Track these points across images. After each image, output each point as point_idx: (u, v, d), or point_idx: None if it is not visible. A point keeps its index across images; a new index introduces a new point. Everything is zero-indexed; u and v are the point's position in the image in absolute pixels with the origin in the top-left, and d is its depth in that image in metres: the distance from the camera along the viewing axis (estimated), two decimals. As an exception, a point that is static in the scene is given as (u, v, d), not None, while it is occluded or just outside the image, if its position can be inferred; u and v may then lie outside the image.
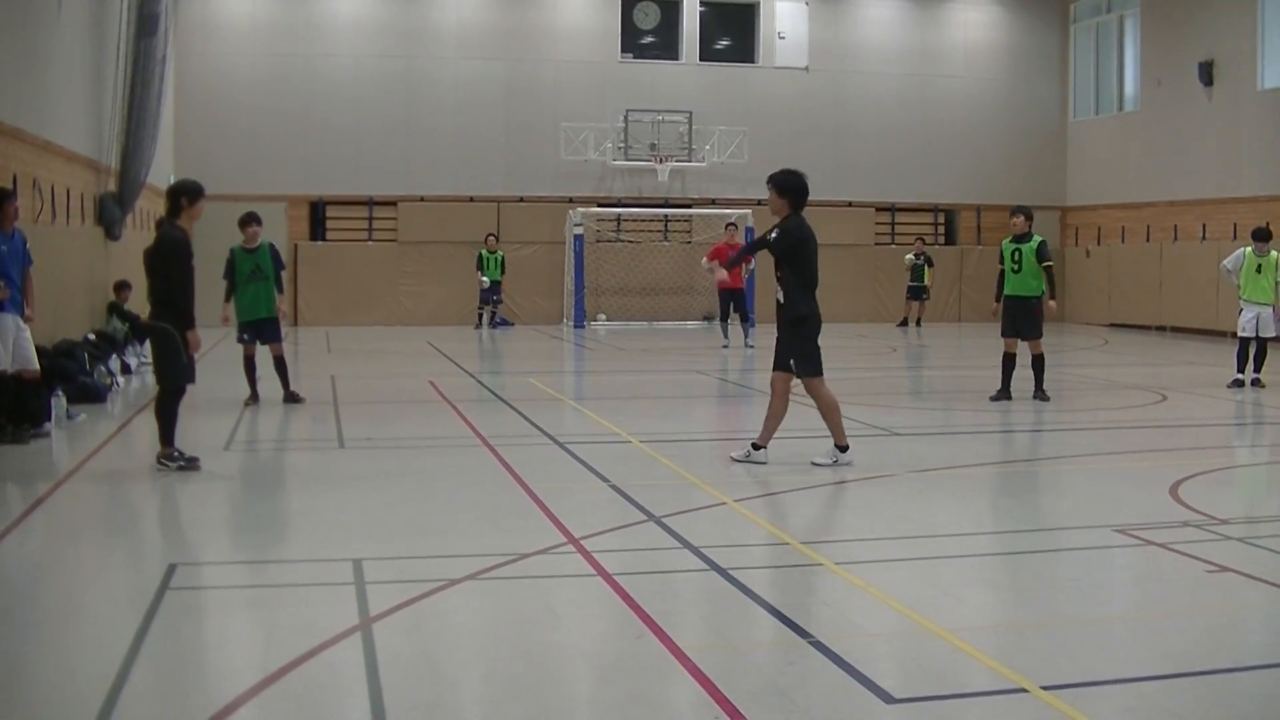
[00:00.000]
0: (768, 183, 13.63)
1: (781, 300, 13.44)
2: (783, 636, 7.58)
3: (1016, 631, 7.88)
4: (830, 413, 13.46)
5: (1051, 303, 19.23)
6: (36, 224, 18.82)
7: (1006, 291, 19.06)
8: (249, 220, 18.62)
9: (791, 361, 13.41)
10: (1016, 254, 18.84)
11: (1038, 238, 18.94)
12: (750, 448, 13.54)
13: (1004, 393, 18.96)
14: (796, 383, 13.46)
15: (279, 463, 14.92)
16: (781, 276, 13.41)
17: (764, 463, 13.36)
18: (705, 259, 28.35)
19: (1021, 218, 19.04)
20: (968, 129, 41.02)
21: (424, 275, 37.41)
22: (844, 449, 13.46)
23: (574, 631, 7.78)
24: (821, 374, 13.42)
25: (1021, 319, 18.90)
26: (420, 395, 19.94)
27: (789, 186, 13.45)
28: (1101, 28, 40.50)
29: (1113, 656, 7.40)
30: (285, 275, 19.01)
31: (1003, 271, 19.14)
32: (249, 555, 10.05)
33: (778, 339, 13.58)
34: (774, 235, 13.31)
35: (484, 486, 12.35)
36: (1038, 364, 19.11)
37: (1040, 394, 19.02)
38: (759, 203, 36.64)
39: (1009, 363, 19.03)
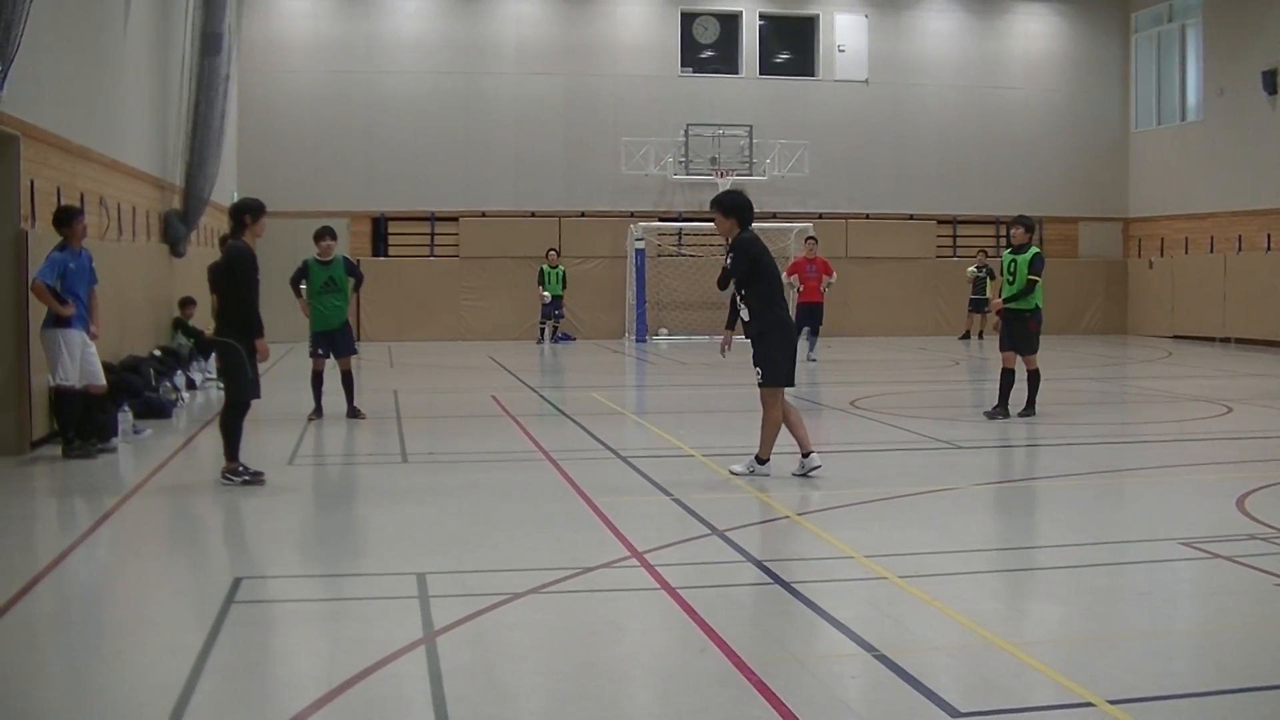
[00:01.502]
0: (711, 206, 13.89)
1: (746, 317, 13.60)
2: (846, 649, 7.56)
3: (1082, 645, 7.83)
4: (770, 427, 13.55)
5: (995, 301, 18.63)
6: (103, 241, 18.99)
7: (1003, 304, 18.42)
8: (324, 234, 18.73)
9: (757, 370, 13.50)
10: (1013, 265, 18.24)
11: (1034, 249, 18.21)
12: (755, 461, 13.59)
13: (1000, 408, 18.29)
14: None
15: (343, 477, 14.99)
16: (744, 294, 13.51)
17: (767, 475, 13.42)
18: (784, 274, 28.38)
19: (1021, 229, 18.36)
20: (1029, 140, 40.85)
21: (485, 290, 37.52)
22: (763, 461, 13.55)
23: (637, 645, 7.79)
24: (781, 386, 13.53)
25: (1017, 333, 18.25)
26: (483, 410, 19.99)
27: (733, 205, 13.60)
28: (1163, 37, 40.25)
29: (1179, 671, 7.35)
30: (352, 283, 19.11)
31: (1001, 284, 18.66)
32: (313, 569, 10.09)
33: (754, 352, 13.61)
34: (730, 260, 13.45)
35: (546, 500, 12.36)
36: (1031, 380, 18.40)
37: (1028, 410, 18.30)
38: (820, 216, 36.80)
39: (1006, 377, 18.39)
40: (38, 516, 12.56)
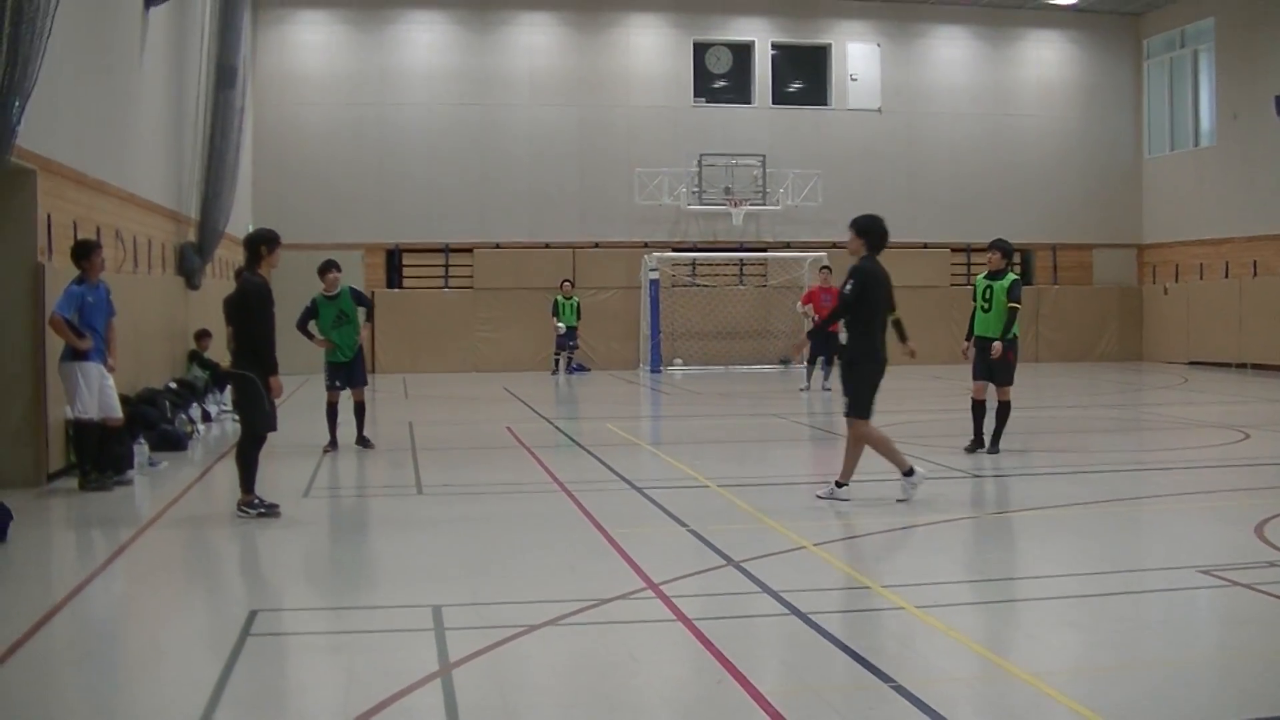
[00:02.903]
0: (850, 226, 13.85)
1: (844, 341, 13.77)
2: (864, 681, 7.53)
3: (1100, 674, 7.79)
4: (851, 453, 13.70)
5: (996, 344, 17.33)
6: (119, 274, 19.04)
7: (976, 332, 17.70)
8: (328, 268, 18.74)
9: (845, 398, 13.60)
10: (988, 291, 17.50)
11: (1012, 275, 17.53)
12: (835, 486, 13.66)
13: (977, 441, 17.64)
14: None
15: (358, 509, 15.00)
16: (847, 320, 13.63)
17: (848, 499, 13.49)
18: (799, 303, 28.35)
19: (998, 253, 17.67)
20: (1042, 167, 40.89)
21: (500, 321, 37.56)
22: (842, 485, 13.67)
23: (654, 677, 7.76)
24: (866, 418, 13.56)
25: (996, 363, 17.42)
26: (498, 441, 19.99)
27: (867, 227, 13.69)
28: (1175, 63, 40.31)
29: (1200, 700, 7.32)
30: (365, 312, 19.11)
31: (973, 310, 17.88)
32: (329, 601, 10.09)
33: (843, 380, 13.73)
34: (847, 287, 13.48)
35: (562, 531, 12.35)
36: (1001, 412, 17.60)
37: (994, 446, 17.48)
38: (834, 245, 36.75)
39: (978, 409, 17.73)
40: (55, 548, 12.58)
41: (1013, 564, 11.36)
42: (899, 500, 13.51)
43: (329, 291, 18.60)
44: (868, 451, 13.65)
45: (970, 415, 17.83)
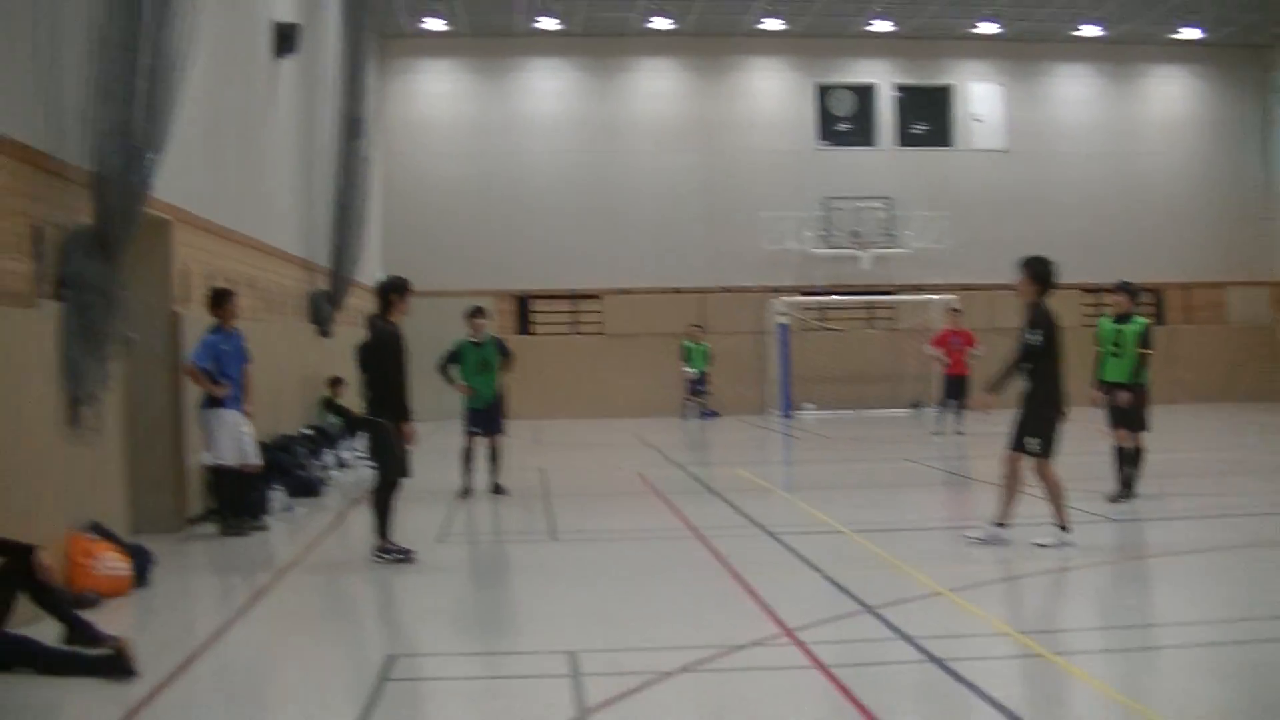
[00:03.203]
0: (1019, 266, 13.80)
1: (1028, 382, 13.59)
2: (1005, 727, 7.45)
3: (1248, 722, 7.66)
4: (1056, 495, 13.45)
5: (1124, 394, 16.85)
6: (253, 322, 19.27)
7: (1107, 377, 17.08)
8: (476, 313, 18.90)
9: (1025, 440, 13.48)
10: (1118, 336, 17.00)
11: (1142, 319, 17.01)
12: (1058, 529, 13.46)
13: (1125, 489, 16.96)
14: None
15: (492, 555, 15.06)
16: (1030, 366, 13.55)
17: (1073, 544, 13.28)
18: (928, 345, 28.14)
19: (1124, 295, 17.23)
20: (1170, 205, 40.34)
21: (629, 367, 37.61)
22: (1065, 529, 13.39)
23: (792, 723, 7.72)
24: (1049, 456, 13.47)
25: (1131, 409, 16.83)
26: (629, 487, 19.99)
27: (1041, 272, 13.67)
28: (1304, 95, 39.76)
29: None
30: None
31: (1100, 354, 17.36)
32: (465, 646, 10.13)
33: (1017, 417, 13.62)
34: (1040, 339, 13.42)
35: (696, 578, 12.32)
36: (1135, 460, 16.95)
37: (1125, 493, 16.81)
38: (964, 287, 36.53)
39: (1119, 454, 17.08)
40: (195, 593, 12.75)
41: (1152, 610, 11.19)
42: (1037, 544, 13.33)
43: (475, 337, 18.72)
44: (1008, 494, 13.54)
45: (1113, 462, 17.33)
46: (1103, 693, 8.15)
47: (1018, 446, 13.57)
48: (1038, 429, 13.45)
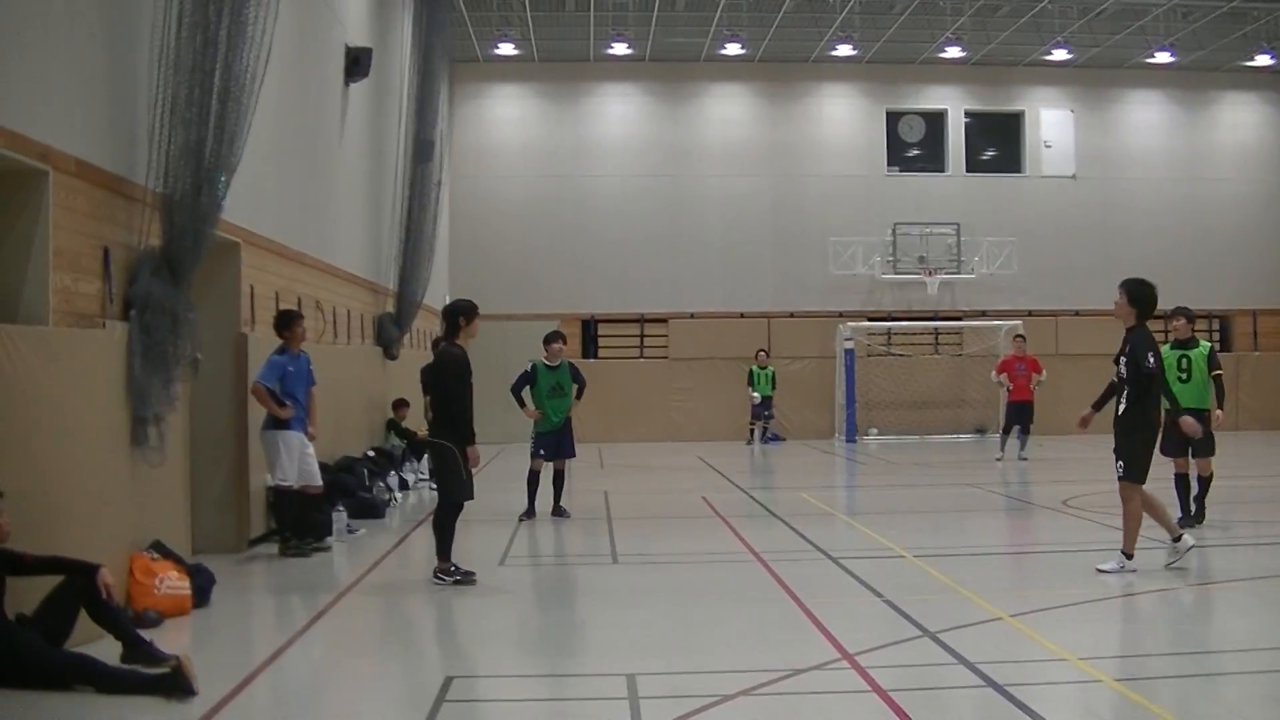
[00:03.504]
0: (1119, 288, 13.87)
1: (1121, 410, 13.51)
2: (1064, 755, 7.39)
3: (1311, 752, 7.58)
4: (1131, 521, 13.40)
5: (1219, 412, 16.84)
6: (319, 344, 19.38)
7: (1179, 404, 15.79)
8: (553, 338, 18.92)
9: (1119, 463, 13.43)
10: (1184, 361, 16.76)
11: (1205, 343, 17.04)
12: (1123, 555, 13.41)
13: (1186, 518, 16.50)
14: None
15: (554, 577, 15.06)
16: (1128, 389, 13.45)
17: (1134, 570, 13.22)
18: (994, 372, 28.04)
19: (1184, 320, 17.16)
20: (1240, 232, 40.03)
21: (694, 391, 37.58)
22: (1129, 556, 13.33)
23: (849, 748, 7.69)
24: (1141, 482, 13.38)
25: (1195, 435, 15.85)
26: (693, 510, 19.98)
27: (1139, 296, 13.69)
28: (1375, 121, 39.32)
29: None
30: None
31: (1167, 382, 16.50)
32: (524, 669, 10.13)
33: (1117, 445, 13.53)
34: (1151, 363, 13.33)
35: (757, 601, 12.29)
36: (1204, 486, 16.77)
37: (1197, 516, 16.67)
38: (1029, 313, 36.35)
39: (1182, 483, 16.92)
40: (255, 613, 12.82)
41: (1214, 637, 11.09)
42: (1100, 570, 13.28)
43: (551, 361, 18.76)
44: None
45: (1176, 489, 17.10)
46: (1163, 719, 8.10)
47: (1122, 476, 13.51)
48: (1132, 452, 13.37)
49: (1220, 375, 16.86)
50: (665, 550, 15.98)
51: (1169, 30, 35.76)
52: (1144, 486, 13.47)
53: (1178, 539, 13.51)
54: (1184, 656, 10.08)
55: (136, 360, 11.76)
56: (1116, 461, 13.48)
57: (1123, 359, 13.57)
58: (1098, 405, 14.09)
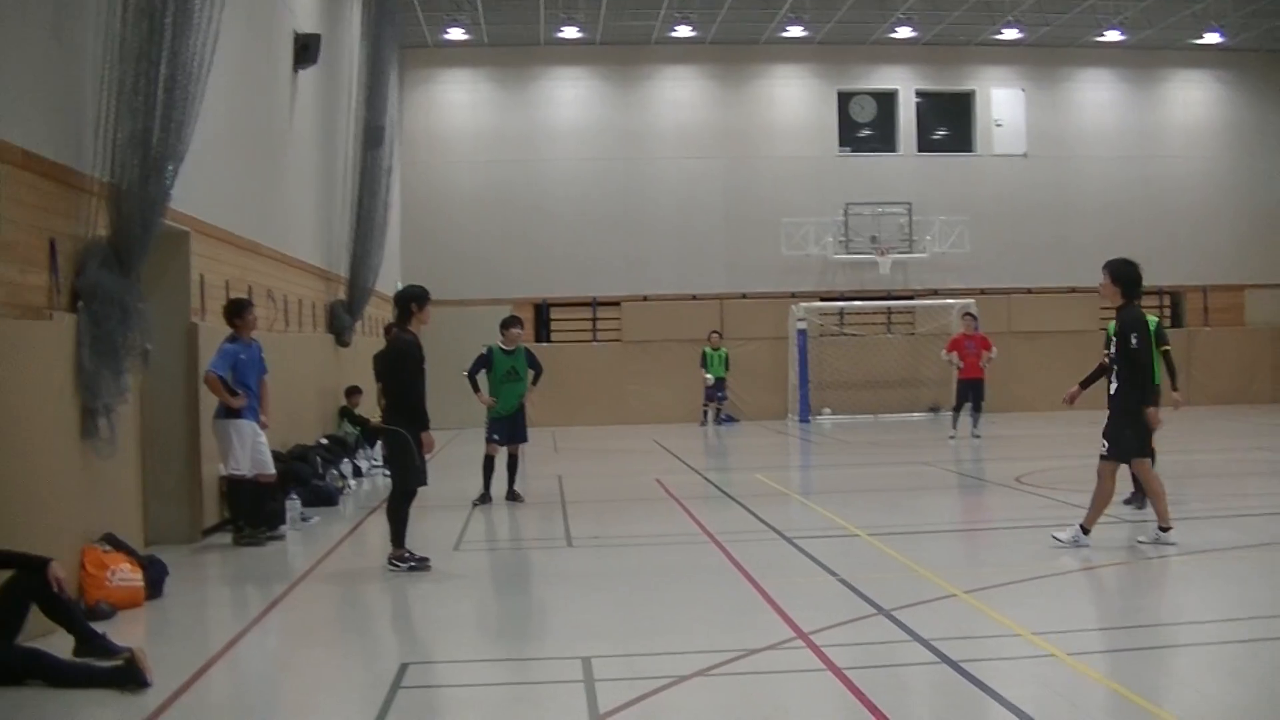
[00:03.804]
0: (1103, 269, 13.76)
1: (1113, 390, 13.55)
2: (1017, 730, 7.44)
3: (1261, 723, 7.64)
4: (1100, 500, 13.46)
5: (1175, 394, 16.69)
6: (271, 332, 19.31)
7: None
8: (510, 323, 18.88)
9: (1103, 442, 13.48)
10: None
11: (1152, 318, 15.32)
12: (1079, 529, 13.46)
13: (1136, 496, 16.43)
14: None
15: (508, 562, 15.06)
16: (1119, 368, 13.47)
17: (1088, 545, 13.29)
18: (944, 351, 28.14)
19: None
20: (1191, 209, 40.19)
21: (648, 374, 37.58)
22: (1086, 531, 13.40)
23: (804, 727, 7.72)
24: (1120, 462, 13.50)
25: None
26: (647, 493, 19.99)
27: (1122, 276, 13.60)
28: (1326, 98, 39.52)
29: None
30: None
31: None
32: (480, 654, 10.13)
33: (1111, 423, 13.56)
34: (1133, 340, 13.29)
35: (712, 582, 12.32)
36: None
37: (1136, 499, 16.17)
38: (982, 292, 36.48)
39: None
40: (210, 604, 12.77)
41: (1167, 609, 11.18)
42: (1057, 539, 13.47)
43: (507, 346, 18.71)
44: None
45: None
46: (1116, 693, 8.14)
47: (1136, 454, 13.60)
48: (1113, 433, 13.44)
49: (1168, 351, 16.69)
50: (620, 533, 15.98)
51: (1118, 8, 35.90)
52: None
53: (1166, 529, 13.44)
54: (1136, 630, 10.15)
55: (85, 352, 11.70)
56: (1102, 439, 13.54)
57: (1112, 340, 13.61)
58: (1085, 383, 14.16)
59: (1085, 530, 13.43)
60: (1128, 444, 13.47)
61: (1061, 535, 13.50)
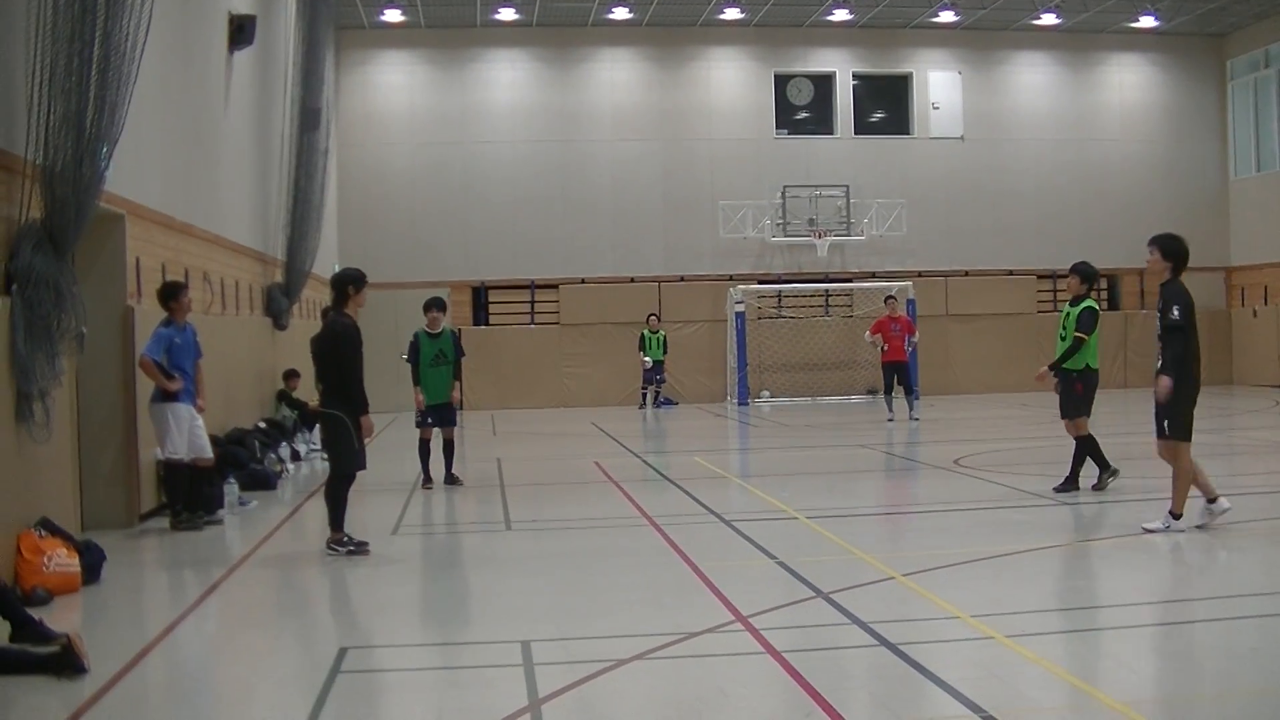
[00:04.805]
0: (1150, 244, 13.92)
1: (1159, 365, 13.37)
2: (954, 712, 7.47)
3: (1193, 704, 7.70)
4: (1182, 479, 13.26)
5: (1043, 369, 16.73)
6: (207, 315, 19.21)
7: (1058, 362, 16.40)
8: (431, 305, 18.68)
9: (1164, 422, 13.24)
10: (1067, 319, 16.45)
11: (1087, 302, 16.32)
12: (1170, 516, 13.28)
13: (1106, 472, 16.51)
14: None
15: (447, 545, 15.05)
16: (1162, 345, 13.36)
17: (1182, 530, 13.14)
18: (868, 333, 28.26)
19: (1076, 278, 16.63)
20: (1127, 192, 40.41)
21: (586, 357, 37.58)
22: (1178, 516, 13.25)
23: (743, 711, 7.73)
24: (1188, 439, 13.25)
25: (1062, 395, 16.58)
26: (585, 476, 20.01)
27: (1172, 251, 13.71)
28: (1260, 83, 39.68)
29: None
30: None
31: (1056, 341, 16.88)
32: (419, 638, 10.13)
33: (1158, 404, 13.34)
34: (1175, 313, 13.25)
35: (650, 566, 12.35)
36: (1079, 449, 16.55)
37: (1071, 484, 16.29)
38: (919, 274, 36.63)
39: (1084, 442, 16.49)
40: (147, 588, 12.71)
41: (1102, 592, 11.25)
42: (1146, 529, 13.35)
43: (432, 329, 18.60)
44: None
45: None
46: (1053, 674, 8.19)
47: (1167, 433, 13.31)
48: (1170, 409, 13.18)
49: (1080, 338, 16.22)
50: (558, 516, 15.98)
51: (1053, -8, 36.08)
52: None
53: (1213, 500, 13.38)
54: (1073, 612, 10.24)
55: (19, 335, 11.62)
56: (1160, 420, 13.30)
57: (1158, 315, 13.52)
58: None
59: (1176, 516, 13.23)
60: (1186, 421, 13.22)
61: (1152, 525, 13.28)
